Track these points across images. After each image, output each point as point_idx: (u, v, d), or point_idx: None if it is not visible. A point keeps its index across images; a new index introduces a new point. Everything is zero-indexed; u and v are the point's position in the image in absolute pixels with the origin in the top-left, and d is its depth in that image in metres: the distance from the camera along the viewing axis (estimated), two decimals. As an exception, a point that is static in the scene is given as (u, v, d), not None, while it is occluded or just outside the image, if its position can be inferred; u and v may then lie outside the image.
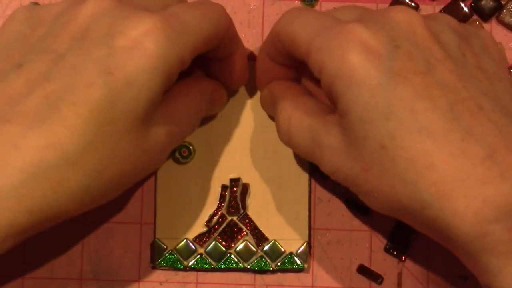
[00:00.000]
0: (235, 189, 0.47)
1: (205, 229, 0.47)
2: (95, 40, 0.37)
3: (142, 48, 0.37)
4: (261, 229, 0.47)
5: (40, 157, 0.35)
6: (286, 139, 0.43)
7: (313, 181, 0.48)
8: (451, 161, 0.35)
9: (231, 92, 0.47)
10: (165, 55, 0.37)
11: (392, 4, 0.48)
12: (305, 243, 0.47)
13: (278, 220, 0.47)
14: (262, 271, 0.47)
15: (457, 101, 0.36)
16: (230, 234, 0.47)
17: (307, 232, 0.47)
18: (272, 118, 0.47)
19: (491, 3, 0.48)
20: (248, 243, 0.47)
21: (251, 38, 0.48)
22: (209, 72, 0.46)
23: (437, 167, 0.35)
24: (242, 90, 0.48)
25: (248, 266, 0.47)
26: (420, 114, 0.36)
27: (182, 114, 0.42)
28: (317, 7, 0.48)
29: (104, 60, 0.37)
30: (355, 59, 0.37)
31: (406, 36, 0.38)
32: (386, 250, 0.47)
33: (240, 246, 0.47)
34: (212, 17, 0.41)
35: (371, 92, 0.36)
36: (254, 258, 0.47)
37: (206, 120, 0.47)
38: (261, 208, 0.47)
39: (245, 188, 0.47)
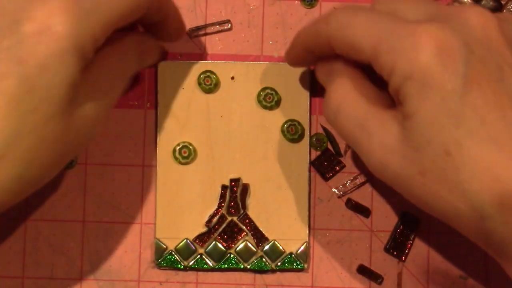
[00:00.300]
0: (235, 189, 0.47)
1: (205, 229, 0.47)
2: (2, 29, 0.37)
3: (50, 31, 0.36)
4: (261, 229, 0.47)
5: None
6: (332, 116, 0.41)
7: (313, 181, 0.48)
8: None
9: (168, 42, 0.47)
10: (75, 36, 0.37)
11: (392, 4, 0.48)
12: (305, 243, 0.47)
13: (278, 220, 0.47)
14: (262, 271, 0.47)
15: None
16: (230, 234, 0.47)
17: (307, 232, 0.47)
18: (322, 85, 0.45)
19: (491, 3, 0.48)
20: (248, 243, 0.47)
21: (251, 38, 0.48)
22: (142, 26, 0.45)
23: (503, 180, 0.35)
24: (243, 91, 0.48)
25: (248, 266, 0.47)
26: (490, 125, 0.35)
27: (108, 81, 0.41)
28: (317, 7, 0.48)
29: (15, 48, 0.36)
30: (431, 61, 0.36)
31: (481, 41, 0.37)
32: (386, 250, 0.47)
33: (240, 246, 0.47)
34: None
35: (443, 97, 0.36)
36: (254, 258, 0.47)
37: (206, 120, 0.47)
38: (261, 208, 0.47)
39: (245, 188, 0.47)
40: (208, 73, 0.47)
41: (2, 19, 0.37)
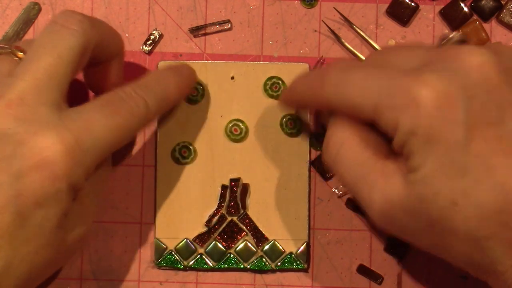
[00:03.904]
0: (235, 189, 0.47)
1: (205, 229, 0.47)
2: (2, 161, 0.37)
3: (48, 170, 0.37)
4: (261, 229, 0.47)
5: None
6: (330, 161, 0.41)
7: (313, 181, 0.48)
8: None
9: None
10: (71, 175, 0.38)
11: (391, 5, 0.48)
12: (305, 243, 0.47)
13: (278, 220, 0.47)
14: (262, 271, 0.47)
15: None
16: (230, 234, 0.47)
17: (307, 232, 0.47)
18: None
19: (491, 3, 0.48)
20: (248, 243, 0.47)
21: (251, 38, 0.48)
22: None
23: (511, 224, 0.35)
24: (243, 91, 0.48)
25: (248, 266, 0.47)
26: (495, 170, 0.35)
27: (94, 193, 0.42)
28: (317, 7, 0.48)
29: (13, 183, 0.37)
30: (432, 114, 0.36)
31: (479, 83, 0.36)
32: (386, 250, 0.47)
33: (240, 246, 0.47)
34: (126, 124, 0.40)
35: (447, 149, 0.36)
36: (254, 258, 0.47)
37: (206, 120, 0.47)
38: (261, 208, 0.47)
39: (245, 188, 0.47)
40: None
41: (2, 147, 0.37)
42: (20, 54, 0.40)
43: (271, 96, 0.47)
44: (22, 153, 0.37)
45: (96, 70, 0.44)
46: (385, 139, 0.39)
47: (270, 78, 0.47)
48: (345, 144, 0.40)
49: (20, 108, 0.38)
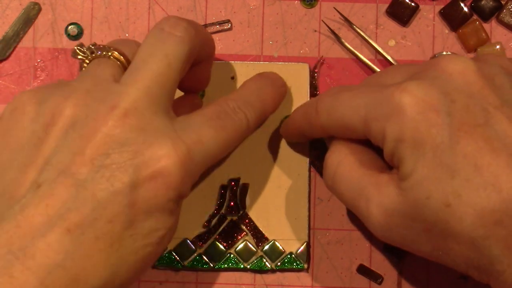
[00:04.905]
0: (234, 189, 0.47)
1: (204, 229, 0.47)
2: (117, 168, 0.37)
3: (164, 180, 0.37)
4: (261, 229, 0.47)
5: None
6: (329, 181, 0.42)
7: (313, 181, 0.48)
8: None
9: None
10: (181, 188, 0.38)
11: (391, 5, 0.48)
12: (305, 243, 0.47)
13: (278, 220, 0.47)
14: (262, 271, 0.47)
15: None
16: (230, 234, 0.47)
17: (307, 232, 0.47)
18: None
19: (491, 3, 0.48)
20: (248, 243, 0.47)
21: (251, 38, 0.48)
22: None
23: (505, 223, 0.35)
24: (242, 90, 0.48)
25: (248, 266, 0.47)
26: (484, 169, 0.36)
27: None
28: (317, 7, 0.48)
29: (128, 193, 0.36)
30: (415, 119, 0.36)
31: (461, 87, 0.37)
32: (386, 250, 0.47)
33: (240, 246, 0.47)
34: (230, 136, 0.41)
35: (434, 152, 0.36)
36: (254, 258, 0.47)
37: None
38: (261, 208, 0.47)
39: (245, 188, 0.47)
40: None
41: (117, 156, 0.37)
42: (120, 57, 0.40)
43: None
44: (139, 162, 0.37)
45: (189, 71, 0.43)
46: (379, 155, 0.40)
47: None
48: (342, 163, 0.41)
49: (135, 117, 0.37)
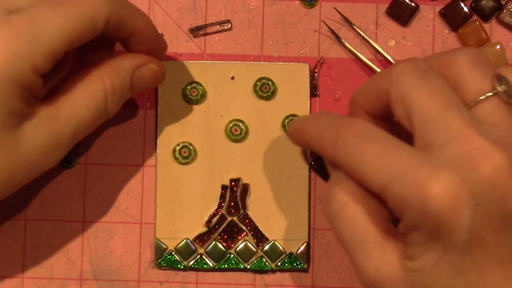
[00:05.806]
0: (235, 189, 0.47)
1: (205, 229, 0.47)
2: None
3: None
4: (261, 229, 0.47)
5: None
6: (330, 216, 0.40)
7: (313, 181, 0.48)
8: None
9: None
10: (10, 69, 0.37)
11: (391, 5, 0.48)
12: (305, 243, 0.47)
13: (278, 220, 0.47)
14: (262, 271, 0.47)
15: None
16: (230, 234, 0.47)
17: (307, 232, 0.47)
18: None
19: (491, 3, 0.48)
20: (248, 243, 0.47)
21: (251, 38, 0.48)
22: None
23: None
24: (243, 90, 0.48)
25: (248, 266, 0.47)
26: (486, 276, 0.36)
27: (70, 109, 0.41)
28: (317, 7, 0.48)
29: None
30: (438, 216, 0.36)
31: (488, 191, 0.36)
32: (386, 250, 0.47)
33: (240, 246, 0.47)
34: (80, 13, 0.39)
35: (446, 249, 0.36)
36: (254, 258, 0.47)
37: (206, 120, 0.47)
38: (261, 208, 0.47)
39: (245, 188, 0.47)
40: (194, 84, 0.47)
41: None
42: None
43: (261, 97, 0.47)
44: None
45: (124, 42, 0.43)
46: (388, 209, 0.39)
47: (259, 79, 0.47)
48: (348, 206, 0.40)
49: None
